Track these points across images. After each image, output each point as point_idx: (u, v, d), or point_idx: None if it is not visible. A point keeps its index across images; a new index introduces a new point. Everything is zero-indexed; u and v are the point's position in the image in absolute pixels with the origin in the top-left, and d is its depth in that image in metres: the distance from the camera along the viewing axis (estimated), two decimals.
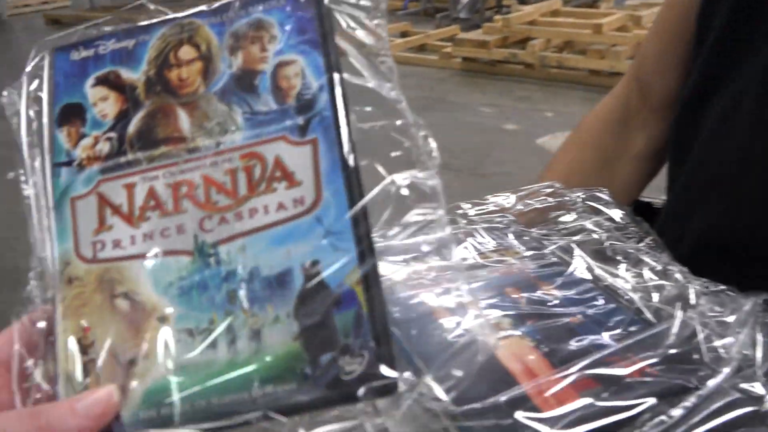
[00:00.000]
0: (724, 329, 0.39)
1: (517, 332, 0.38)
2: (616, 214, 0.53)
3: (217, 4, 0.33)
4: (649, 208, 0.74)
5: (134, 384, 0.27)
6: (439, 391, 0.29)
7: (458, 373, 0.30)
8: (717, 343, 0.38)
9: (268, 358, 0.26)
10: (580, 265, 0.46)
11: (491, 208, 0.50)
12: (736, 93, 0.54)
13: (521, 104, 4.66)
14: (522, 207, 0.51)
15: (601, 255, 0.48)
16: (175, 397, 0.26)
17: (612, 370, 0.34)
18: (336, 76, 0.29)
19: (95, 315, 0.28)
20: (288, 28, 0.30)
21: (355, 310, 0.26)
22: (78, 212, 0.30)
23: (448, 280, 0.41)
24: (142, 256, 0.28)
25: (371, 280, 0.27)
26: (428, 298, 0.40)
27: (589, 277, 0.45)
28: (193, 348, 0.27)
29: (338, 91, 0.30)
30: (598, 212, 0.52)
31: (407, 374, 0.28)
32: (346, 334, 0.26)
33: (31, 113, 0.33)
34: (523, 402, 0.31)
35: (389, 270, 0.42)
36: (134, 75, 0.32)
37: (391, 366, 0.26)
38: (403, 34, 6.60)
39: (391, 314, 0.37)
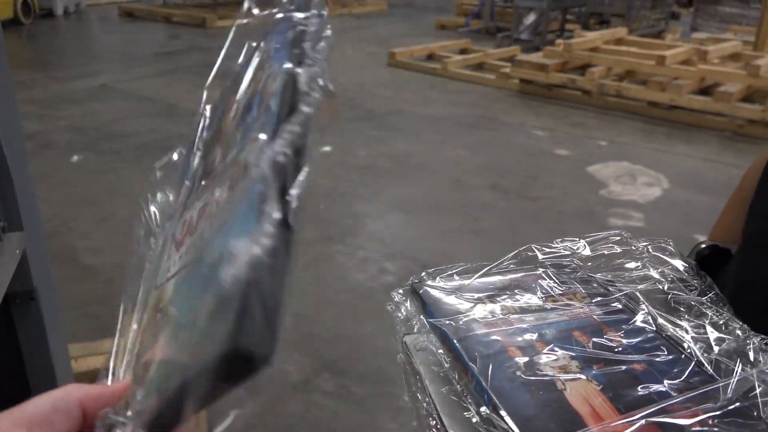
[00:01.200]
0: None
1: (584, 376, 0.40)
2: (680, 265, 0.55)
3: None
4: (727, 254, 0.74)
5: None
6: (512, 425, 0.32)
7: (531, 410, 0.33)
8: None
9: None
10: (644, 314, 0.48)
11: (561, 251, 0.53)
12: None
13: (575, 130, 4.63)
14: (590, 252, 0.53)
15: (665, 305, 0.50)
16: None
17: (675, 420, 0.36)
18: None
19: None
20: None
21: None
22: None
23: (519, 320, 0.43)
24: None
25: None
26: (502, 336, 0.43)
27: (652, 326, 0.47)
28: None
29: None
30: (664, 263, 0.54)
31: (483, 409, 0.31)
32: None
33: None
34: None
35: (466, 308, 0.45)
36: None
37: None
38: (463, 51, 6.63)
39: (471, 350, 0.40)
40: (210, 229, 0.28)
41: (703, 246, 0.78)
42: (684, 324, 0.47)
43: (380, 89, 5.54)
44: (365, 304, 2.51)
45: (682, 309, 0.49)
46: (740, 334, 0.46)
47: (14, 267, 1.01)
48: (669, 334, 0.46)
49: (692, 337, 0.46)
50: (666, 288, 0.51)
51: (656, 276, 0.52)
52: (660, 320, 0.47)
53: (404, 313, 0.48)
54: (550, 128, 4.67)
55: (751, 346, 0.44)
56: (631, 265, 0.53)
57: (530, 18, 6.84)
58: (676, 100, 4.73)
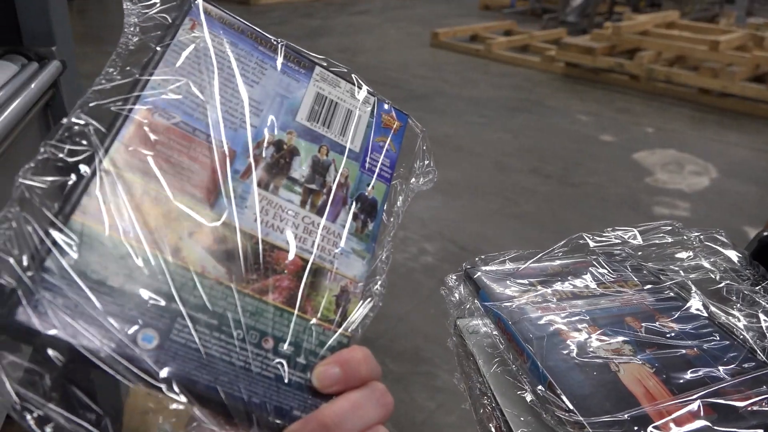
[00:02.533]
0: None
1: (637, 358, 0.41)
2: (734, 255, 0.55)
3: None
4: None
5: None
6: (568, 403, 0.33)
7: (585, 389, 0.34)
8: None
9: None
10: (697, 301, 0.48)
11: (613, 240, 0.54)
12: None
13: (621, 116, 4.54)
14: (641, 242, 0.54)
15: (717, 294, 0.51)
16: None
17: (728, 401, 0.37)
18: None
19: None
20: None
21: None
22: None
23: (571, 305, 0.45)
24: None
25: None
26: (555, 319, 0.44)
27: (704, 313, 0.48)
28: None
29: None
30: (716, 253, 0.54)
31: (540, 387, 0.33)
32: None
33: None
34: (646, 421, 0.35)
35: (519, 292, 0.46)
36: None
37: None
38: (507, 33, 6.54)
39: (526, 332, 0.41)
40: None
41: (766, 234, 0.78)
42: (736, 312, 0.48)
43: (422, 69, 5.52)
44: (404, 283, 2.53)
45: (734, 298, 0.50)
46: None
47: None
48: (721, 321, 0.47)
49: (744, 325, 0.47)
50: (718, 278, 0.52)
51: (708, 266, 0.53)
52: (712, 308, 0.48)
53: (457, 297, 0.50)
54: (595, 113, 4.59)
55: None
56: (683, 254, 0.54)
57: (578, 0, 6.69)
58: (728, 87, 4.59)
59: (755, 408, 0.37)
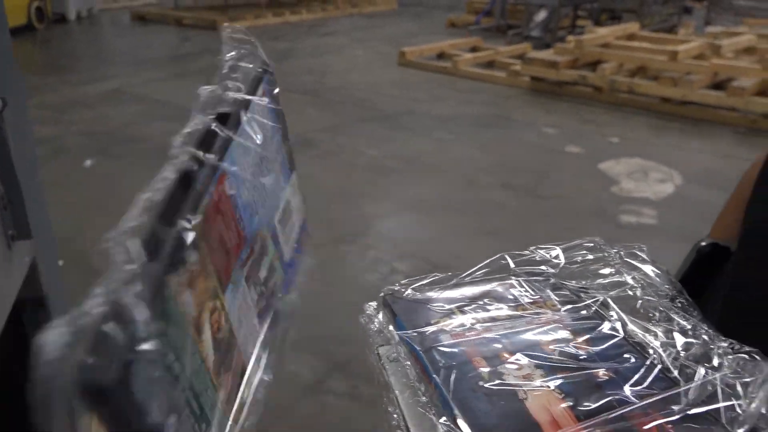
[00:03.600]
0: (744, 391, 0.42)
1: (548, 384, 0.41)
2: (650, 270, 0.56)
3: None
4: (727, 252, 0.73)
5: None
6: None
7: (491, 419, 0.34)
8: (736, 403, 0.41)
9: None
10: (614, 320, 0.49)
11: (536, 258, 0.54)
12: None
13: (586, 127, 4.61)
14: (564, 260, 0.54)
15: (635, 311, 0.51)
16: None
17: (632, 425, 0.37)
18: None
19: None
20: None
21: None
22: None
23: (487, 329, 0.45)
24: None
25: None
26: (468, 346, 0.44)
27: (621, 332, 0.48)
28: None
29: None
30: (636, 269, 0.55)
31: (443, 419, 0.33)
32: None
33: None
34: None
35: (436, 318, 0.46)
36: None
37: None
38: (473, 49, 6.62)
39: (436, 361, 0.41)
40: None
41: (704, 244, 0.79)
42: (653, 329, 0.49)
43: (391, 89, 5.55)
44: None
45: (651, 314, 0.50)
46: (707, 339, 0.47)
47: (23, 275, 1.03)
48: (637, 340, 0.48)
49: (661, 343, 0.47)
50: (638, 294, 0.52)
51: (630, 281, 0.53)
52: (630, 326, 0.49)
53: (377, 325, 0.50)
54: (561, 125, 4.65)
55: (716, 350, 0.45)
56: (606, 271, 0.54)
57: (541, 15, 6.81)
58: (688, 95, 4.69)
59: (659, 431, 0.37)
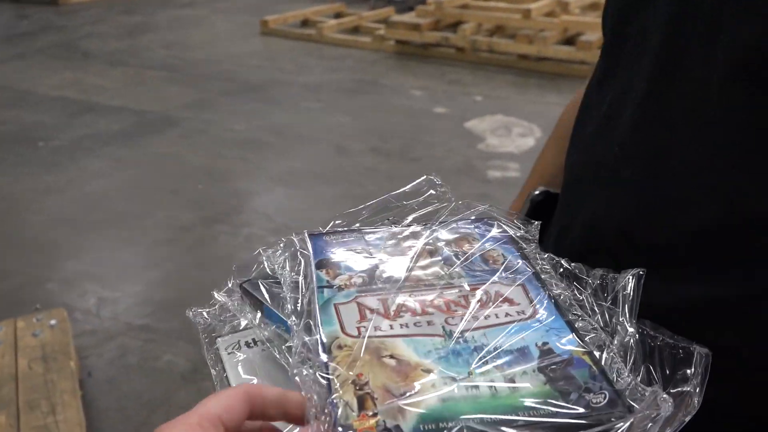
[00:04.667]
0: None
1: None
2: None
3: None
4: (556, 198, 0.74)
5: (411, 409, 0.36)
6: None
7: None
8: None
9: (525, 396, 0.37)
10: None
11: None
12: (625, 86, 0.55)
13: (452, 87, 4.72)
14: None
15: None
16: (452, 417, 0.36)
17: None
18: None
19: (366, 366, 0.39)
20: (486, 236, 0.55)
21: (588, 368, 0.40)
22: (341, 311, 0.44)
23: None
24: (401, 335, 0.42)
25: (593, 355, 0.42)
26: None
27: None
28: (457, 388, 0.37)
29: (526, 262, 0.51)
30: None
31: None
32: (585, 381, 0.39)
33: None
34: None
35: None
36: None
37: (624, 400, 0.38)
38: (337, 15, 6.55)
39: None
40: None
41: (537, 193, 0.80)
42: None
43: (255, 60, 5.38)
44: None
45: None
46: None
47: None
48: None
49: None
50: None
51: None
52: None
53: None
54: (428, 88, 4.73)
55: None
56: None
57: None
58: (543, 51, 4.92)
59: None
